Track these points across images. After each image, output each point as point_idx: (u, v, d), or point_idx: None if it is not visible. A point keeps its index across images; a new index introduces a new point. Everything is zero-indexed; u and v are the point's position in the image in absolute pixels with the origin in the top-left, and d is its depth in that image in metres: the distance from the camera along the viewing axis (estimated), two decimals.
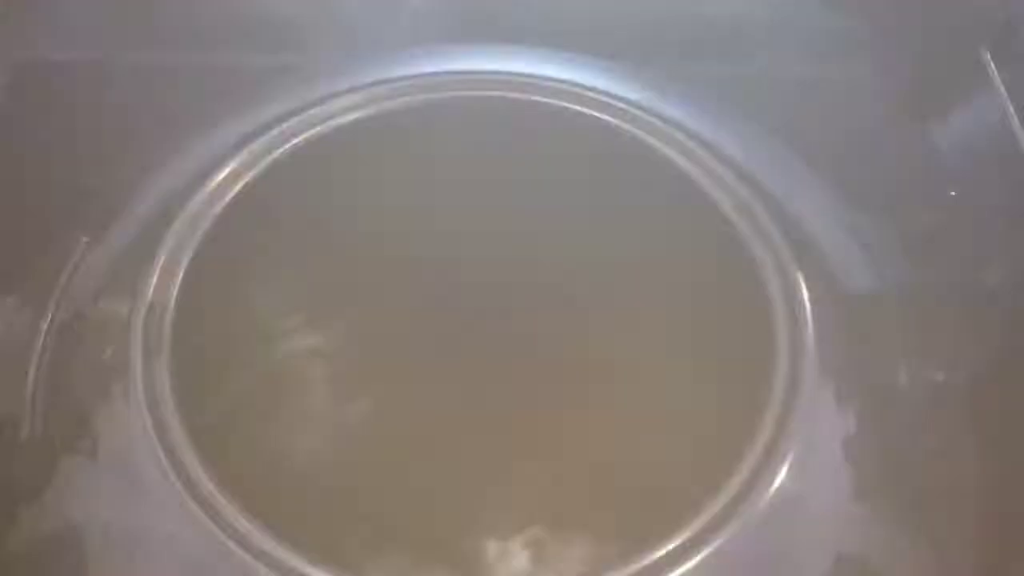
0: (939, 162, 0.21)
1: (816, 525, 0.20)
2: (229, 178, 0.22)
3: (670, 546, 0.19)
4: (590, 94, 0.24)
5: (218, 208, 0.21)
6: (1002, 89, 0.19)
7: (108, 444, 0.19)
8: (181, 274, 0.20)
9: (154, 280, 0.20)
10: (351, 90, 0.24)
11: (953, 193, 0.21)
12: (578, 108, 0.24)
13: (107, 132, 0.34)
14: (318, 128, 0.23)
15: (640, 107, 0.24)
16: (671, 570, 0.18)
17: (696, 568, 0.18)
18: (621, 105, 0.24)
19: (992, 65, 0.19)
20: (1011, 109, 0.19)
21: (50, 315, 0.21)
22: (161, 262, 0.20)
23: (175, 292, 0.20)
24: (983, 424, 0.22)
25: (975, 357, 0.21)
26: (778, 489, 0.19)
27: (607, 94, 0.24)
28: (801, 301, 0.21)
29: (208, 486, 0.18)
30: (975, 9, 0.19)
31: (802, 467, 0.20)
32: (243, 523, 0.18)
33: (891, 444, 0.21)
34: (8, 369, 0.20)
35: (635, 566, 0.18)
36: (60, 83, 0.31)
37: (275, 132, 0.23)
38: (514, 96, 0.24)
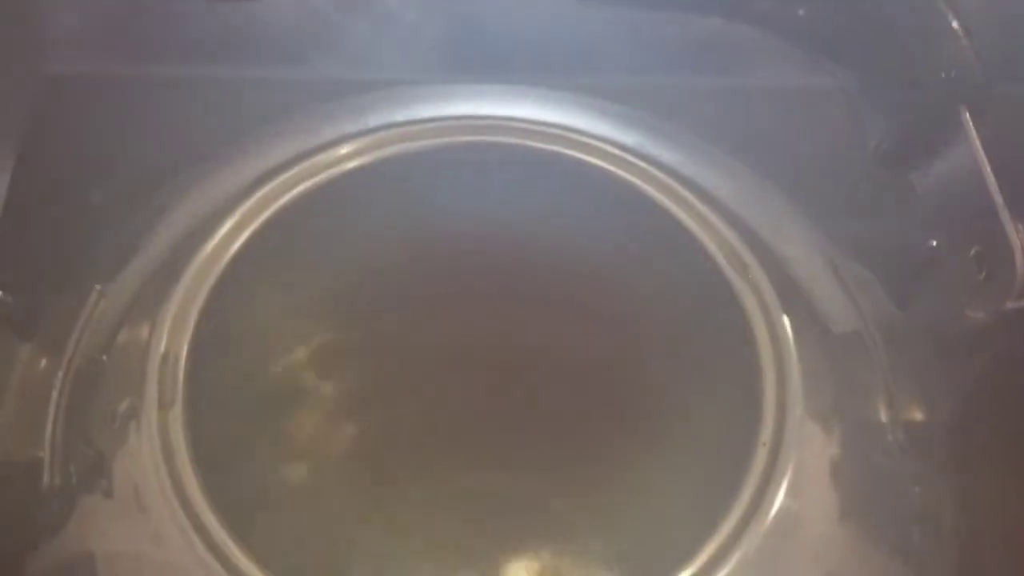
0: (918, 211, 0.22)
1: (807, 547, 0.21)
2: (237, 226, 0.23)
3: None
4: (584, 139, 0.25)
5: (227, 256, 0.22)
6: (978, 144, 0.20)
7: (122, 484, 0.20)
8: (192, 324, 0.21)
9: (166, 330, 0.21)
10: (356, 135, 0.25)
11: (934, 243, 0.22)
12: (571, 152, 0.25)
13: (115, 169, 0.35)
14: (324, 174, 0.24)
15: (631, 151, 0.25)
16: None
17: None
18: (613, 150, 0.25)
19: (970, 122, 0.20)
20: (986, 165, 0.20)
21: (66, 363, 0.21)
22: (172, 311, 0.21)
23: (187, 341, 0.21)
24: (958, 457, 0.23)
25: (951, 396, 0.22)
26: (775, 515, 0.20)
27: (599, 137, 0.25)
28: (787, 341, 0.22)
29: (211, 519, 0.19)
30: (957, 69, 0.20)
31: (793, 494, 0.21)
32: (237, 554, 0.19)
33: (873, 472, 0.23)
34: (30, 415, 0.21)
35: None
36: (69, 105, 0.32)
37: (282, 178, 0.24)
38: (511, 142, 0.25)
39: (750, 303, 0.22)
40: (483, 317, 0.30)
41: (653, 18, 0.26)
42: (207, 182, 0.26)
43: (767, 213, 0.25)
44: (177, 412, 0.20)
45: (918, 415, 0.23)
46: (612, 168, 0.24)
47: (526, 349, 0.33)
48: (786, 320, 0.22)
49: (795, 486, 0.21)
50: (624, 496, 0.34)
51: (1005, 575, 0.24)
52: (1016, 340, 0.21)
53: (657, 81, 0.34)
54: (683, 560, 0.20)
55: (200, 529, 0.19)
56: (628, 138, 0.26)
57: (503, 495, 0.35)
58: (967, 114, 0.20)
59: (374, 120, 0.26)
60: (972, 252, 0.20)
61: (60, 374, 0.21)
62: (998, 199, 0.20)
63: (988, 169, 0.20)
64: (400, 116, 0.25)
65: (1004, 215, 0.19)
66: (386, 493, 0.35)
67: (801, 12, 0.23)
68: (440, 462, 0.36)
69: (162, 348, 0.21)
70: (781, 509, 0.21)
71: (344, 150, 0.24)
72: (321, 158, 0.24)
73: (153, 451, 0.19)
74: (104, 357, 0.22)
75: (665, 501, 0.32)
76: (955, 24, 0.21)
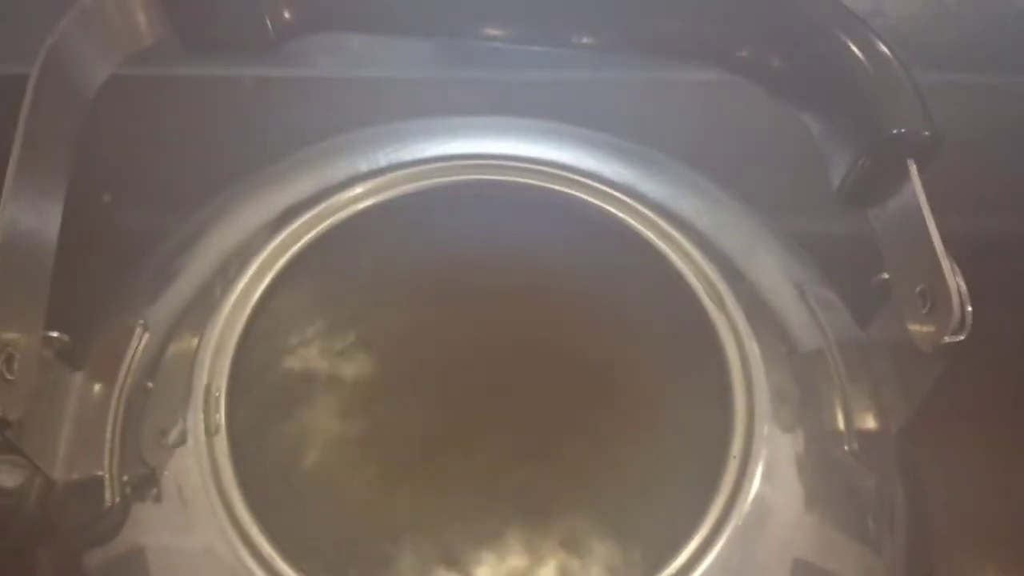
0: (872, 244, 0.25)
1: (778, 533, 0.24)
2: (264, 266, 0.26)
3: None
4: (573, 176, 0.28)
5: (256, 295, 0.25)
6: (922, 194, 0.23)
7: (170, 491, 0.23)
8: (230, 358, 0.24)
9: (208, 362, 0.24)
10: (367, 175, 0.28)
11: (885, 276, 0.24)
12: (562, 189, 0.28)
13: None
14: (341, 212, 0.27)
15: (619, 186, 0.28)
16: None
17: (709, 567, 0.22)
18: (602, 187, 0.27)
19: (915, 174, 0.23)
20: (928, 212, 0.23)
21: (118, 392, 0.24)
22: (212, 346, 0.24)
23: (227, 374, 0.24)
24: (907, 459, 0.26)
25: (903, 406, 0.25)
26: (750, 504, 0.23)
27: (590, 175, 0.28)
28: (755, 358, 0.25)
29: (245, 514, 0.22)
30: (908, 125, 0.23)
31: (763, 495, 0.24)
32: (268, 548, 0.22)
33: (834, 471, 0.25)
34: (90, 438, 0.24)
35: None
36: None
37: (305, 217, 0.26)
38: (512, 180, 0.27)
39: (724, 331, 0.25)
40: (487, 324, 0.33)
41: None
42: (233, 215, 0.28)
43: (742, 241, 0.27)
44: (222, 436, 0.23)
45: (872, 424, 0.25)
46: (602, 204, 0.27)
47: (526, 352, 0.36)
48: (756, 344, 0.25)
49: (765, 486, 0.24)
50: (616, 484, 0.37)
51: (944, 553, 0.27)
52: (959, 361, 0.23)
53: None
54: (676, 544, 0.23)
55: (234, 522, 0.22)
56: (615, 171, 0.28)
57: (504, 480, 0.38)
58: (914, 166, 0.23)
59: (384, 159, 0.28)
60: (918, 289, 0.23)
61: (113, 401, 0.24)
62: (938, 245, 0.22)
63: (930, 216, 0.23)
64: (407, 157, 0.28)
65: (943, 260, 0.22)
66: (397, 478, 0.38)
67: (775, 63, 0.25)
68: (445, 449, 0.39)
69: (204, 380, 0.23)
70: (755, 501, 0.23)
71: (358, 190, 0.27)
72: (337, 198, 0.27)
73: (202, 470, 0.22)
74: (150, 384, 0.25)
75: (655, 489, 0.36)
76: (910, 87, 0.23)
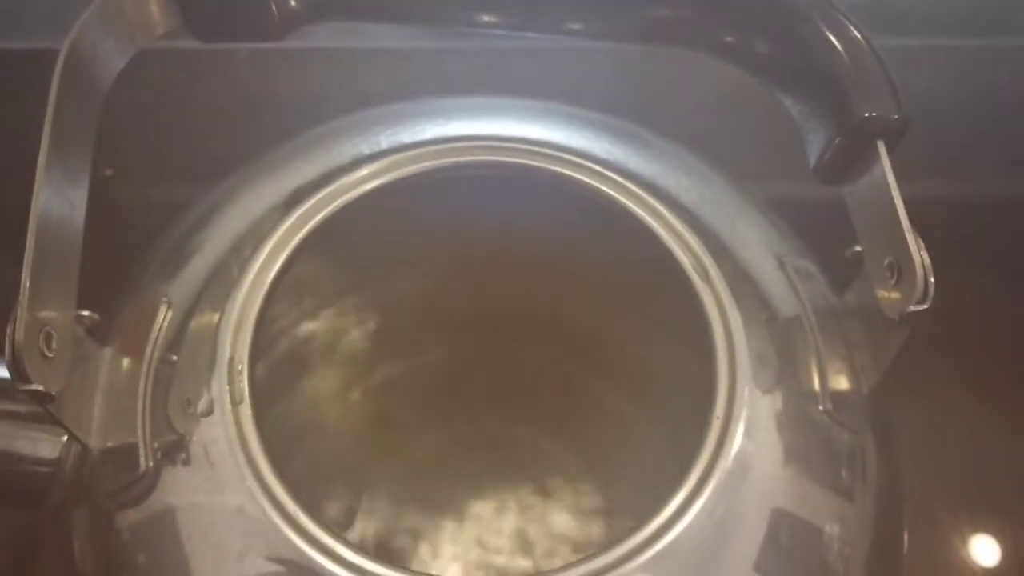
0: (847, 219, 0.27)
1: (758, 485, 0.26)
2: (277, 246, 0.27)
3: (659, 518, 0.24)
4: (565, 155, 0.29)
5: (271, 274, 0.27)
6: (890, 173, 0.25)
7: (198, 454, 0.25)
8: (251, 332, 0.26)
9: (229, 337, 0.26)
10: (371, 157, 0.29)
11: (858, 248, 0.26)
12: (555, 169, 0.29)
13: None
14: (349, 193, 0.28)
15: (610, 165, 0.29)
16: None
17: (686, 528, 0.24)
18: (595, 167, 0.29)
19: (884, 154, 0.25)
20: (896, 190, 0.24)
21: (146, 365, 0.26)
22: (233, 321, 0.26)
23: (248, 345, 0.26)
24: (879, 415, 0.29)
25: (874, 368, 0.27)
26: (732, 460, 0.25)
27: (583, 154, 0.30)
28: (737, 327, 0.27)
29: (279, 489, 0.24)
30: (879, 110, 0.25)
31: (745, 451, 0.26)
32: (292, 506, 0.24)
33: (810, 428, 0.28)
34: (122, 409, 0.25)
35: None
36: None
37: (313, 200, 0.28)
38: (506, 161, 0.29)
39: (709, 302, 0.27)
40: (486, 295, 0.35)
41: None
42: (244, 197, 0.30)
43: (726, 216, 0.29)
44: (246, 406, 0.25)
45: (845, 384, 0.27)
46: (594, 184, 0.29)
47: (524, 317, 0.38)
48: (738, 314, 0.27)
49: (746, 443, 0.26)
50: (608, 442, 0.39)
51: (911, 501, 0.30)
52: (928, 325, 0.25)
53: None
54: (664, 497, 0.24)
55: (262, 484, 0.24)
56: (606, 150, 0.30)
57: (503, 438, 0.41)
58: (883, 148, 0.25)
59: (385, 141, 0.30)
60: (886, 261, 0.25)
61: (143, 374, 0.26)
62: (904, 221, 0.24)
63: (898, 194, 0.24)
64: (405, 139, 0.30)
65: (908, 235, 0.24)
66: (401, 436, 0.41)
67: (758, 49, 0.27)
68: (448, 410, 0.41)
69: (228, 354, 0.25)
70: (736, 457, 0.25)
71: (362, 172, 0.29)
72: (343, 181, 0.28)
73: (228, 438, 0.24)
74: (175, 357, 0.26)
75: (643, 447, 0.38)
76: (882, 72, 0.25)
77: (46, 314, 0.23)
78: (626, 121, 0.33)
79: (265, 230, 0.28)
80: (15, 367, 0.22)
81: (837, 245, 0.27)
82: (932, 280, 0.24)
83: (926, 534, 0.42)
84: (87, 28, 0.25)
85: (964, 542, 0.42)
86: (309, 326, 0.37)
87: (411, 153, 0.29)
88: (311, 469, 0.38)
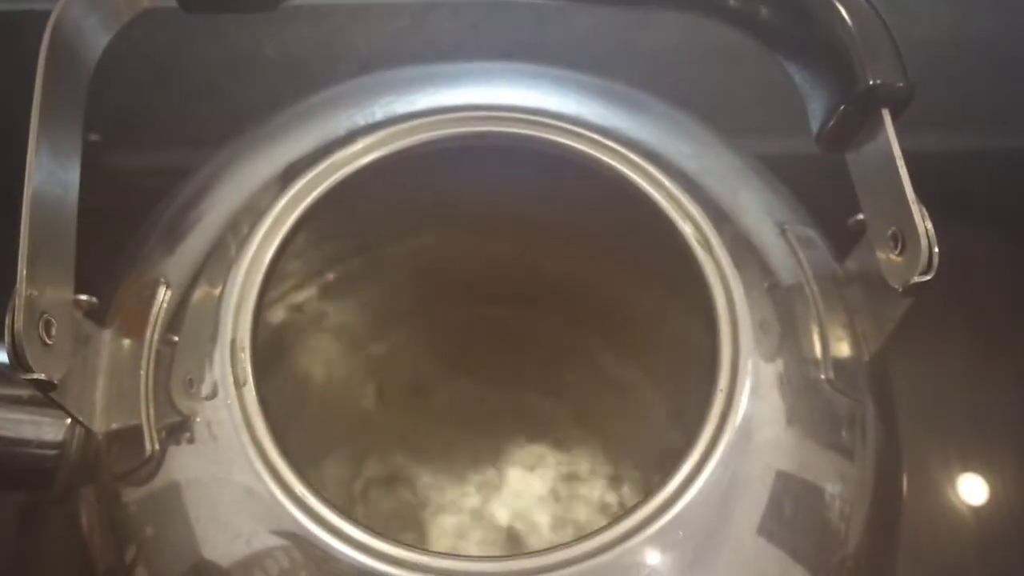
0: (849, 186, 0.27)
1: (762, 446, 0.26)
2: (274, 224, 0.27)
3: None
4: (565, 125, 0.29)
5: (269, 253, 0.26)
6: (895, 141, 0.24)
7: (204, 438, 0.25)
8: (251, 312, 0.25)
9: (230, 319, 0.25)
10: (367, 128, 0.29)
11: (860, 217, 0.26)
12: (554, 138, 0.29)
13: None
14: (344, 170, 0.28)
15: (610, 134, 0.29)
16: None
17: (691, 500, 0.24)
18: (596, 136, 0.29)
19: (889, 122, 0.25)
20: (900, 159, 0.24)
21: (147, 347, 0.26)
22: (233, 302, 0.26)
23: (249, 326, 0.25)
24: (877, 379, 0.29)
25: (876, 337, 0.27)
26: (737, 431, 0.25)
27: (583, 123, 0.29)
28: (740, 297, 0.27)
29: (287, 472, 0.24)
30: (884, 78, 0.24)
31: (750, 413, 0.26)
32: (300, 488, 0.24)
33: (812, 392, 0.28)
34: (126, 391, 0.25)
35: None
36: None
37: (309, 176, 0.28)
38: (503, 131, 0.29)
39: (711, 272, 0.27)
40: (487, 267, 0.35)
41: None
42: (239, 172, 0.29)
43: (727, 184, 0.29)
44: (250, 387, 0.25)
45: (846, 351, 0.28)
46: (595, 154, 0.28)
47: (523, 291, 0.38)
48: (740, 284, 0.27)
49: (750, 412, 0.26)
50: (610, 408, 0.39)
51: (907, 458, 0.30)
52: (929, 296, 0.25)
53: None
54: (670, 465, 0.24)
55: (268, 465, 0.24)
56: (606, 117, 0.30)
57: (504, 406, 0.41)
58: (888, 116, 0.25)
59: (379, 112, 0.29)
60: (890, 231, 0.25)
61: (144, 356, 0.25)
62: (909, 191, 0.24)
63: (902, 163, 0.24)
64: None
65: (913, 205, 0.24)
66: (400, 405, 0.41)
67: (763, 13, 0.26)
68: (448, 378, 0.41)
69: (229, 336, 0.25)
70: (740, 428, 0.25)
71: (358, 145, 0.28)
72: (339, 155, 0.28)
73: (233, 420, 0.24)
74: (175, 338, 0.26)
75: (646, 412, 0.38)
76: (888, 40, 0.24)
77: (44, 301, 0.23)
78: (622, 84, 0.32)
79: (261, 206, 0.27)
80: (16, 357, 0.22)
81: (835, 203, 0.27)
82: (936, 251, 0.23)
83: (918, 477, 0.43)
84: (71, 4, 0.24)
85: (954, 483, 0.43)
86: (304, 295, 0.37)
87: (406, 125, 0.28)
88: (310, 440, 0.39)
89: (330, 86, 0.32)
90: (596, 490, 0.39)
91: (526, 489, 0.40)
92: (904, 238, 0.24)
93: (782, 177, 0.31)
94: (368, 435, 0.40)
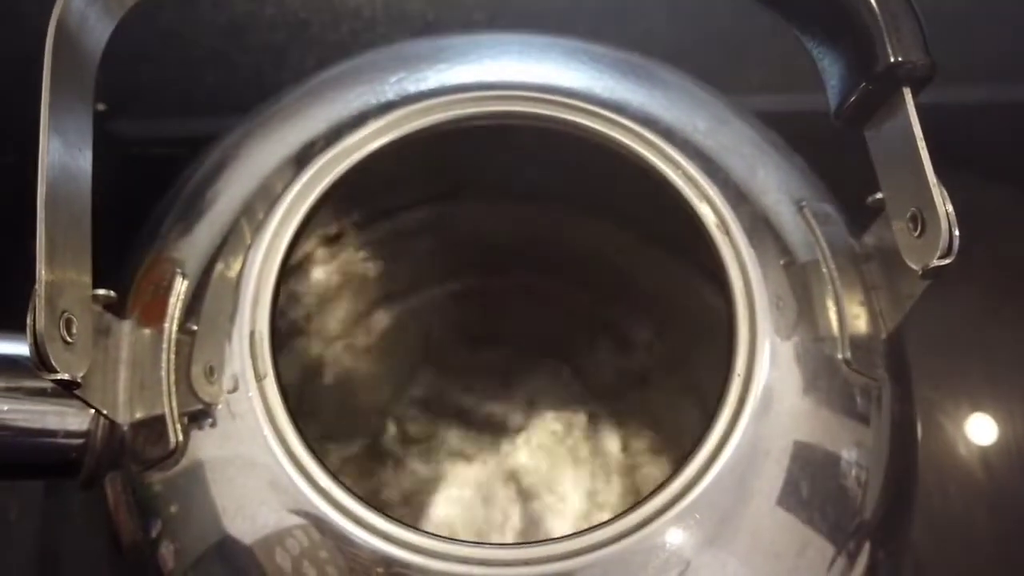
0: (870, 165, 0.26)
1: (781, 416, 0.26)
2: (288, 212, 0.27)
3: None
4: (582, 104, 0.28)
5: (284, 241, 0.26)
6: (916, 121, 0.24)
7: (227, 431, 0.25)
8: (269, 304, 0.26)
9: (248, 310, 0.25)
10: (378, 109, 0.28)
11: (879, 196, 0.26)
12: (570, 117, 0.28)
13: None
14: (356, 155, 0.28)
15: (626, 111, 0.28)
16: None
17: (716, 476, 0.24)
18: (610, 114, 0.28)
19: (911, 102, 0.24)
20: (921, 140, 0.24)
21: (167, 336, 0.26)
22: (251, 293, 0.26)
23: (267, 317, 0.25)
24: (894, 356, 0.29)
25: (893, 315, 0.27)
26: (756, 407, 0.25)
27: (599, 101, 0.29)
28: (758, 279, 0.27)
29: (312, 464, 0.24)
30: (907, 56, 0.24)
31: (766, 397, 0.26)
32: (326, 480, 0.24)
33: (827, 364, 0.28)
34: (147, 382, 0.26)
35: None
36: None
37: (321, 162, 0.27)
38: (517, 111, 0.28)
39: (728, 255, 0.27)
40: (500, 246, 0.35)
41: None
42: (252, 153, 0.29)
43: (745, 161, 0.29)
44: (271, 380, 0.25)
45: (863, 330, 0.28)
46: (610, 133, 0.28)
47: (541, 252, 0.38)
48: (758, 266, 0.27)
49: (767, 395, 0.26)
50: (627, 381, 0.40)
51: (921, 424, 0.30)
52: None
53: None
54: (695, 433, 0.25)
55: (291, 457, 0.24)
56: (621, 94, 0.29)
57: (524, 373, 0.41)
58: (910, 94, 0.24)
59: (391, 91, 0.29)
60: (909, 213, 0.24)
61: (164, 347, 0.26)
62: (930, 172, 0.24)
63: (923, 144, 0.24)
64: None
65: (934, 188, 0.23)
66: (418, 372, 0.41)
67: None
68: (469, 346, 0.41)
69: (248, 328, 0.25)
70: (760, 404, 0.25)
71: (370, 128, 0.28)
72: (351, 139, 0.28)
73: (255, 414, 0.24)
74: (194, 327, 0.26)
75: (667, 382, 0.39)
76: (912, 17, 0.24)
77: (64, 299, 0.23)
78: (635, 54, 0.32)
79: (275, 191, 0.27)
80: (39, 358, 0.22)
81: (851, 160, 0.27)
82: (957, 234, 0.23)
83: (929, 422, 0.43)
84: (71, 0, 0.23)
85: (963, 424, 0.43)
86: (326, 297, 0.37)
87: (418, 106, 0.28)
88: (329, 411, 0.39)
89: (339, 60, 0.31)
90: (612, 460, 0.40)
91: (545, 458, 0.41)
92: (924, 220, 0.24)
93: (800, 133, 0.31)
94: (388, 403, 0.41)
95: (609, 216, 0.34)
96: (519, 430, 0.40)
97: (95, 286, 0.24)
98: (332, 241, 0.36)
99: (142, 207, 0.35)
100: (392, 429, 0.41)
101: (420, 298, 0.40)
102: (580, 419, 0.40)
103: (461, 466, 0.40)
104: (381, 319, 0.41)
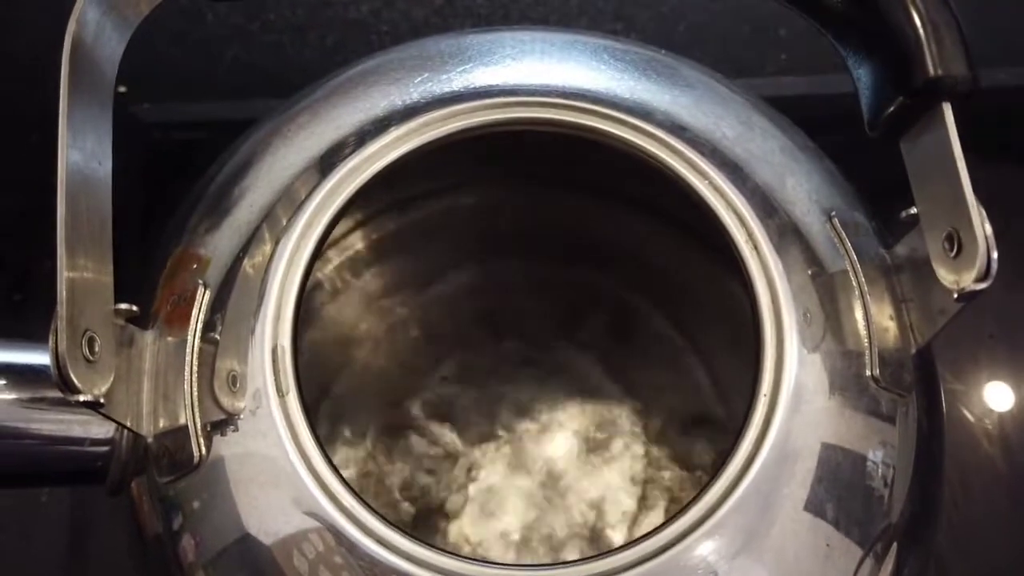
0: (903, 175, 0.25)
1: (806, 430, 0.26)
2: (310, 222, 0.26)
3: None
4: (604, 109, 0.28)
5: (307, 253, 0.26)
6: (956, 139, 0.23)
7: (251, 448, 0.25)
8: (291, 318, 0.25)
9: (270, 325, 0.25)
10: (403, 112, 0.28)
11: (913, 211, 0.25)
12: (596, 125, 0.28)
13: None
14: (380, 162, 0.27)
15: (652, 119, 0.28)
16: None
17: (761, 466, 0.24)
18: (634, 120, 0.27)
19: (951, 118, 0.23)
20: (961, 160, 0.23)
21: (189, 350, 0.26)
22: (272, 308, 0.26)
23: (289, 332, 0.25)
24: (922, 371, 0.28)
25: (924, 330, 0.27)
26: (787, 410, 0.25)
27: (620, 106, 0.28)
28: (785, 292, 0.26)
29: (334, 482, 0.24)
30: (948, 69, 0.23)
31: (795, 397, 0.26)
32: (349, 499, 0.24)
33: (853, 379, 0.27)
34: (171, 395, 0.26)
35: None
36: None
37: (345, 170, 0.27)
38: (542, 117, 0.28)
39: (755, 268, 0.26)
40: (524, 247, 0.34)
41: None
42: (275, 156, 0.29)
43: (774, 170, 0.28)
44: (293, 396, 0.25)
45: (892, 344, 0.27)
46: (637, 141, 0.27)
47: (562, 239, 0.37)
48: (786, 281, 0.26)
49: (794, 408, 0.25)
50: (651, 368, 0.39)
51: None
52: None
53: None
54: (742, 428, 0.25)
55: (314, 475, 0.24)
56: (648, 98, 0.28)
57: (547, 364, 0.41)
58: (950, 110, 0.23)
59: (415, 92, 0.28)
60: (945, 232, 0.24)
61: (187, 364, 0.26)
62: (968, 192, 0.23)
63: (962, 162, 0.23)
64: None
65: (972, 208, 0.23)
66: (442, 356, 0.41)
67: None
68: (484, 329, 0.41)
69: (270, 344, 0.25)
70: (783, 427, 0.25)
71: (392, 134, 0.27)
72: (375, 145, 0.27)
73: (278, 430, 0.24)
74: (217, 336, 0.26)
75: (690, 376, 0.38)
76: (955, 30, 0.23)
77: (85, 318, 0.23)
78: (660, 51, 0.31)
79: (298, 198, 0.27)
80: (62, 380, 0.22)
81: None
82: (995, 256, 0.23)
83: (951, 414, 0.43)
84: (85, 12, 0.23)
85: (986, 416, 0.42)
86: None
87: (441, 112, 0.28)
88: (350, 395, 0.39)
89: (365, 58, 0.31)
90: (630, 448, 0.40)
91: (563, 444, 0.41)
92: (961, 240, 0.23)
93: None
94: (409, 388, 0.41)
95: (642, 209, 0.34)
96: (537, 411, 0.40)
97: (117, 289, 0.24)
98: (344, 235, 0.35)
99: (163, 189, 0.35)
100: (417, 410, 0.41)
101: (438, 288, 0.40)
102: (598, 403, 0.40)
103: (484, 457, 0.40)
104: (398, 309, 0.40)
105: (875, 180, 0.29)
